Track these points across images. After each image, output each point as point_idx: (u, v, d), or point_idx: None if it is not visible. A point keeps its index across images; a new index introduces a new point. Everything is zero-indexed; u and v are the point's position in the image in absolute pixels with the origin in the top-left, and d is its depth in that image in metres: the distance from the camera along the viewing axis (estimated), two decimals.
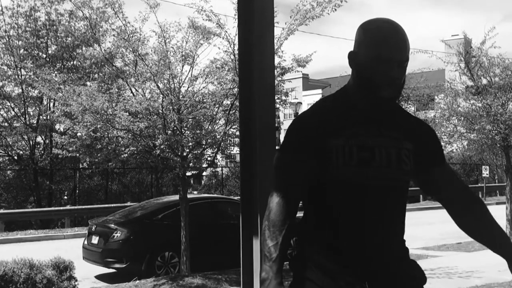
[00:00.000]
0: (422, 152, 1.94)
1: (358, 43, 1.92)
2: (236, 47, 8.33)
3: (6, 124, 22.04)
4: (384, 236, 1.87)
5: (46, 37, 22.16)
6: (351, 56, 1.94)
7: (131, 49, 9.18)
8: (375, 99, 1.88)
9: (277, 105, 10.71)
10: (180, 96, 9.02)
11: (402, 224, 1.93)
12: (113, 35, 11.15)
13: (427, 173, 1.99)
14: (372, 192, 1.82)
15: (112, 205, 19.02)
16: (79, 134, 10.76)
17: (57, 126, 21.23)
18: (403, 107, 28.61)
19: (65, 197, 23.47)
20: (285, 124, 52.92)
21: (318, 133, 1.85)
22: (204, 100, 9.30)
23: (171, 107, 8.92)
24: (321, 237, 1.97)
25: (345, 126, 1.87)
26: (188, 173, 10.29)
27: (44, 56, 22.19)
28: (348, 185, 1.83)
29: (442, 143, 16.84)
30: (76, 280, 7.63)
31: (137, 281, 9.12)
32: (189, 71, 9.24)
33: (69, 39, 22.00)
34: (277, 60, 9.24)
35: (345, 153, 1.83)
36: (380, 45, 1.84)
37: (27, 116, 22.26)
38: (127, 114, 8.81)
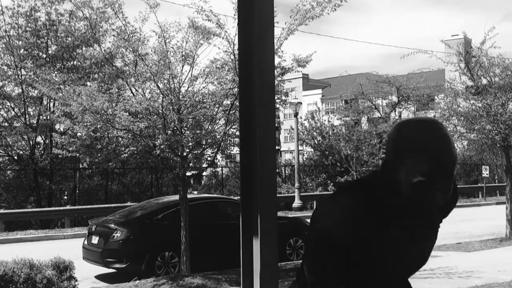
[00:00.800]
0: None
1: (403, 153, 1.76)
2: (236, 47, 8.34)
3: (6, 124, 22.06)
4: None
5: (46, 37, 22.17)
6: (393, 166, 1.80)
7: (131, 49, 9.18)
8: (423, 218, 1.91)
9: (277, 105, 10.72)
10: (180, 96, 9.02)
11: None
12: (113, 35, 11.17)
13: None
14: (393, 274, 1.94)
15: (112, 205, 19.04)
16: (79, 134, 10.76)
17: (57, 126, 21.23)
18: (403, 107, 28.52)
19: (65, 197, 23.49)
20: (285, 124, 52.99)
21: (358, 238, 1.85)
22: (204, 100, 9.30)
23: (171, 107, 8.92)
24: None
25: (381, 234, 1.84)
26: (188, 173, 10.29)
27: (44, 56, 22.19)
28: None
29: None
30: (76, 280, 7.63)
31: (137, 281, 9.12)
32: (189, 71, 9.25)
33: (69, 39, 22.01)
34: (277, 60, 9.25)
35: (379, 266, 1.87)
36: (433, 161, 1.70)
37: (27, 116, 22.27)
38: (127, 114, 8.82)
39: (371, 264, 1.80)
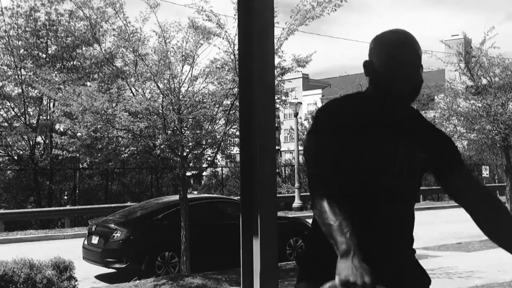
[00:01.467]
0: (439, 159, 2.02)
1: (371, 52, 2.00)
2: (236, 47, 8.33)
3: (6, 124, 22.05)
4: (393, 241, 1.93)
5: (46, 37, 22.17)
6: (366, 64, 2.02)
7: (131, 49, 9.18)
8: (393, 100, 1.95)
9: (277, 105, 10.71)
10: (180, 96, 9.02)
11: (410, 229, 2.00)
12: (114, 35, 11.16)
13: (445, 179, 2.05)
14: (383, 199, 1.88)
15: (112, 205, 19.03)
16: (79, 134, 10.75)
17: (57, 126, 21.23)
18: None
19: (65, 197, 23.48)
20: (285, 124, 52.94)
21: (344, 124, 1.95)
22: (204, 100, 9.30)
23: (171, 107, 8.92)
24: None
25: (365, 127, 1.94)
26: (188, 173, 10.30)
27: (44, 56, 22.19)
28: (359, 191, 1.89)
29: None
30: (76, 280, 7.63)
31: (137, 281, 9.12)
32: (189, 71, 9.25)
33: (69, 39, 22.02)
34: (277, 60, 9.24)
35: (360, 156, 1.90)
36: (391, 49, 1.93)
37: (27, 116, 22.27)
38: (127, 114, 8.81)
39: (357, 155, 1.91)
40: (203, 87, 9.53)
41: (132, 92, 9.39)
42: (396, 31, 1.99)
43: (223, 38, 8.90)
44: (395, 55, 1.91)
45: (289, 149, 48.71)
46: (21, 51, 21.97)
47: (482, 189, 2.09)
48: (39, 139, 22.60)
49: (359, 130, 1.93)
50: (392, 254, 1.91)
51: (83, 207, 20.13)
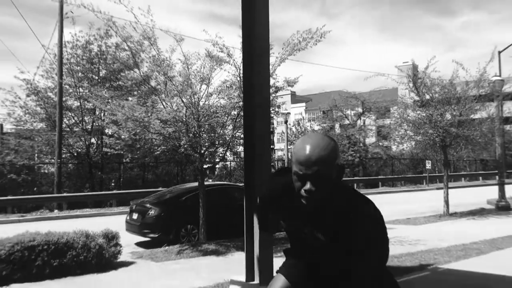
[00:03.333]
0: (343, 242, 1.69)
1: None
2: (241, 72, 8.34)
3: (68, 129, 22.06)
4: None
5: (98, 64, 22.17)
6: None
7: (162, 73, 9.18)
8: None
9: (272, 115, 10.72)
10: (199, 108, 9.02)
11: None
12: (149, 62, 11.14)
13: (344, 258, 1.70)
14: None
15: (148, 190, 19.02)
16: (123, 136, 10.75)
17: (106, 131, 21.24)
18: (366, 116, 28.22)
19: (112, 184, 23.47)
20: (278, 129, 52.96)
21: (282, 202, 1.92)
22: (217, 111, 9.30)
23: (192, 117, 8.93)
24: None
25: (291, 217, 1.89)
26: (205, 166, 10.29)
27: (96, 77, 22.19)
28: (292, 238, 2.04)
29: (395, 144, 16.85)
30: (121, 246, 7.65)
31: (167, 247, 9.12)
32: (206, 89, 9.25)
33: (115, 65, 22.01)
34: (272, 81, 9.25)
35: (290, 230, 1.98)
36: (295, 163, 1.66)
37: (84, 123, 22.28)
38: (159, 121, 8.82)
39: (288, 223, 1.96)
40: (216, 101, 9.53)
41: (163, 105, 9.39)
42: (302, 141, 1.68)
43: (231, 65, 8.90)
44: (297, 170, 1.65)
45: (281, 148, 48.69)
46: (79, 74, 21.97)
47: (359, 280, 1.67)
48: (93, 140, 22.61)
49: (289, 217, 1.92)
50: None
51: (126, 191, 20.13)
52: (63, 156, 21.06)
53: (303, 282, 1.99)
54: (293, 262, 2.08)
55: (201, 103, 9.12)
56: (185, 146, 8.95)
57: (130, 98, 17.52)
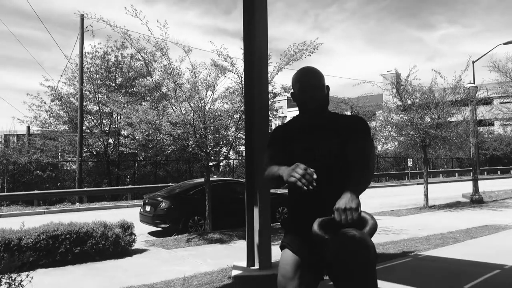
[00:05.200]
0: (346, 135, 1.96)
1: (292, 85, 2.11)
2: (243, 79, 8.33)
3: (88, 131, 22.06)
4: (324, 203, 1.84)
5: (114, 72, 22.15)
6: (291, 94, 2.13)
7: (172, 80, 9.17)
8: (308, 113, 2.04)
9: (270, 118, 10.69)
10: (205, 112, 9.01)
11: (339, 193, 1.78)
12: (160, 71, 11.14)
13: (347, 145, 1.95)
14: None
15: (159, 185, 19.03)
16: (137, 137, 10.76)
17: (122, 132, 21.23)
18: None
19: (128, 180, 23.44)
20: None
21: (283, 137, 2.10)
22: (221, 115, 9.29)
23: (199, 119, 8.92)
24: (289, 208, 2.14)
25: (296, 134, 2.06)
26: (210, 163, 10.28)
27: (113, 85, 22.17)
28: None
29: (380, 144, 16.85)
30: (135, 235, 7.66)
31: (176, 236, 9.13)
32: (211, 95, 9.24)
33: (130, 73, 22.00)
34: (270, 88, 9.24)
35: (295, 154, 1.98)
36: (299, 80, 2.04)
37: (102, 125, 22.27)
38: (170, 124, 8.81)
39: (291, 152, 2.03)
40: (220, 106, 9.53)
41: (172, 109, 9.39)
42: (302, 68, 2.09)
43: (234, 73, 8.90)
44: (301, 83, 2.02)
45: None
46: (98, 81, 21.95)
47: (361, 158, 1.89)
48: (110, 140, 22.58)
49: (292, 137, 2.06)
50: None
51: (140, 186, 20.10)
52: (84, 154, 21.06)
53: (309, 255, 1.88)
54: (294, 236, 1.97)
55: (207, 108, 9.12)
56: (193, 146, 8.95)
57: (143, 103, 17.47)
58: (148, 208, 10.17)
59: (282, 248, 2.04)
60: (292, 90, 2.11)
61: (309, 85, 2.00)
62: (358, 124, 2.01)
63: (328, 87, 2.07)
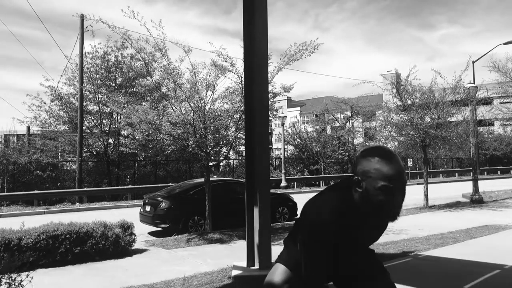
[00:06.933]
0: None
1: (366, 171, 1.61)
2: (243, 79, 8.33)
3: (88, 131, 22.06)
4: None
5: (114, 72, 22.14)
6: (357, 181, 1.64)
7: (172, 80, 9.17)
8: (384, 216, 1.65)
9: (270, 118, 10.69)
10: (205, 112, 9.01)
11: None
12: (160, 71, 11.13)
13: None
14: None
15: (159, 185, 19.03)
16: (137, 137, 10.75)
17: (122, 132, 21.23)
18: (354, 119, 28.11)
19: (128, 180, 23.45)
20: (275, 131, 52.90)
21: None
22: (221, 115, 9.29)
23: (199, 119, 8.91)
24: None
25: (348, 232, 1.71)
26: (210, 163, 10.28)
27: (113, 85, 22.17)
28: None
29: (380, 144, 16.86)
30: (135, 235, 7.65)
31: (176, 236, 9.12)
32: (211, 95, 9.24)
33: (130, 73, 21.99)
34: (270, 88, 9.22)
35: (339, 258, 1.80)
36: (388, 180, 1.56)
37: (102, 125, 22.26)
38: (169, 124, 8.81)
39: (341, 253, 1.76)
40: (220, 106, 9.52)
41: (172, 109, 9.39)
42: (391, 160, 1.56)
43: (234, 73, 8.90)
44: (392, 186, 1.53)
45: (278, 147, 48.63)
46: (98, 81, 21.95)
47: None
48: (110, 140, 22.59)
49: (343, 237, 1.68)
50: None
51: (140, 186, 20.09)
52: (84, 154, 21.05)
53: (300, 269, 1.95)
54: (290, 251, 2.02)
55: (207, 108, 9.11)
56: (193, 145, 8.95)
57: (143, 103, 17.49)
58: (148, 208, 10.16)
59: None
60: (362, 178, 1.59)
61: (402, 190, 1.56)
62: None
63: None
